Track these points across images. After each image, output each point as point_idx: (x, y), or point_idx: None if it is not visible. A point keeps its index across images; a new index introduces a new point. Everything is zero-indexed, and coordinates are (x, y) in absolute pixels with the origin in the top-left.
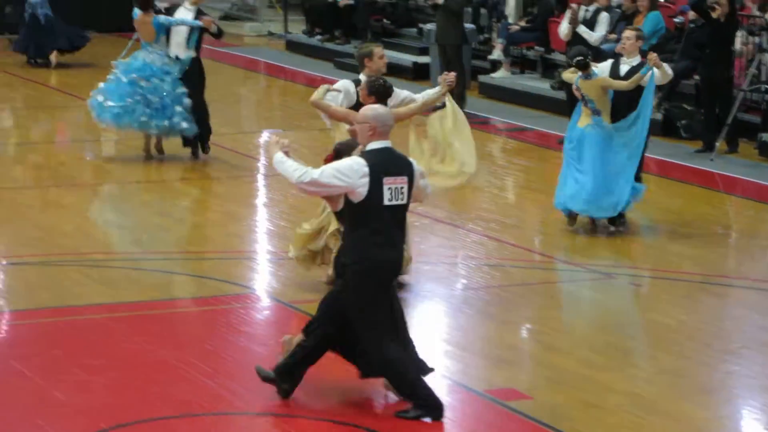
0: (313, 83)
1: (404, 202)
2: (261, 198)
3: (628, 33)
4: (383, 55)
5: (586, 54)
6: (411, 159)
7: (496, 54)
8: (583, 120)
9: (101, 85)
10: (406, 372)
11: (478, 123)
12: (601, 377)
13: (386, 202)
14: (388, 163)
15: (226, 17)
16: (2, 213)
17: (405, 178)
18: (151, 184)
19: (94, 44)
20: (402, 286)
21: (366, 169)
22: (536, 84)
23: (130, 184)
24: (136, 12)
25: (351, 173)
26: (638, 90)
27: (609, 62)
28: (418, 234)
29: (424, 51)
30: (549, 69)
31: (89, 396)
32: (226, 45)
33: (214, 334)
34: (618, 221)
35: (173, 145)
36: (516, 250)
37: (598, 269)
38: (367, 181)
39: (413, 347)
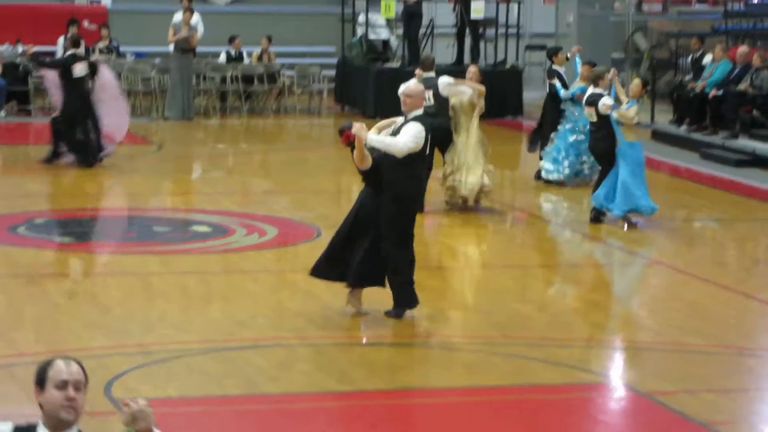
0: (677, 173)
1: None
2: (619, 285)
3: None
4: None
5: None
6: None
7: None
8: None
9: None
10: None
11: None
12: None
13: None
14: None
15: None
16: (369, 293)
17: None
18: (511, 269)
19: None
20: None
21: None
22: None
23: (492, 269)
24: None
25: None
26: None
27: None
28: None
29: None
30: None
31: None
32: None
33: (571, 423)
34: None
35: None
36: None
37: None
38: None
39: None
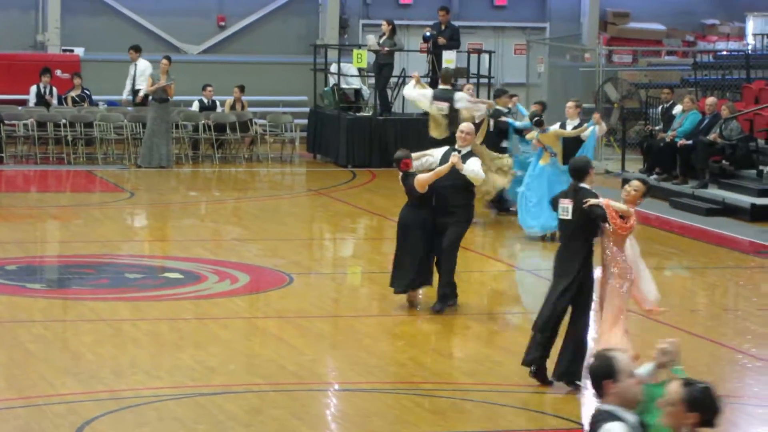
0: (647, 222)
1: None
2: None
3: (570, 104)
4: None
5: (540, 115)
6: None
7: None
8: (543, 160)
9: None
10: None
11: None
12: None
13: None
14: None
15: None
16: (341, 340)
17: None
18: (480, 315)
19: None
20: None
21: None
22: None
23: (460, 317)
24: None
25: None
26: (578, 140)
27: (557, 124)
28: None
29: (763, 193)
30: None
31: None
32: None
33: None
34: None
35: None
36: None
37: None
38: None
39: None
